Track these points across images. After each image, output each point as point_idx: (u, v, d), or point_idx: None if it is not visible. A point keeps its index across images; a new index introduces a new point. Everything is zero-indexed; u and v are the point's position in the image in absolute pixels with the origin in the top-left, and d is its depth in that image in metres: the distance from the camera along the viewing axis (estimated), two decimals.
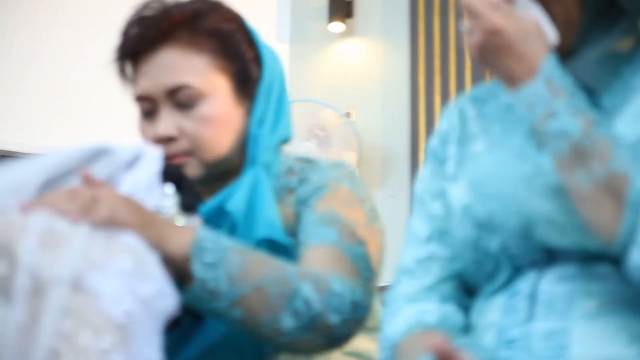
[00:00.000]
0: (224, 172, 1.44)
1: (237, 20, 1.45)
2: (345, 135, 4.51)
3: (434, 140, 1.28)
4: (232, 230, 1.36)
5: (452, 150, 1.23)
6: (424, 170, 1.27)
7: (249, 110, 1.45)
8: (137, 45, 1.41)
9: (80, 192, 1.10)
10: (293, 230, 1.40)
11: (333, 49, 4.79)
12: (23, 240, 1.02)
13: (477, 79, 4.57)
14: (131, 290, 1.06)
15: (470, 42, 1.09)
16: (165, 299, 1.10)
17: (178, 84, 1.39)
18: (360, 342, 1.42)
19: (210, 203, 1.39)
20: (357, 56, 4.78)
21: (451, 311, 1.15)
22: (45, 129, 4.41)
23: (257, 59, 1.45)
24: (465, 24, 1.10)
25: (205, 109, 1.40)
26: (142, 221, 1.12)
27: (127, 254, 1.09)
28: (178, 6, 1.42)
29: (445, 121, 1.27)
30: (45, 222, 1.06)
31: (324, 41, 4.79)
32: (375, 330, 1.42)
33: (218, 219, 1.38)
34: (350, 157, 4.38)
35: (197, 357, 1.30)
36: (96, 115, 4.71)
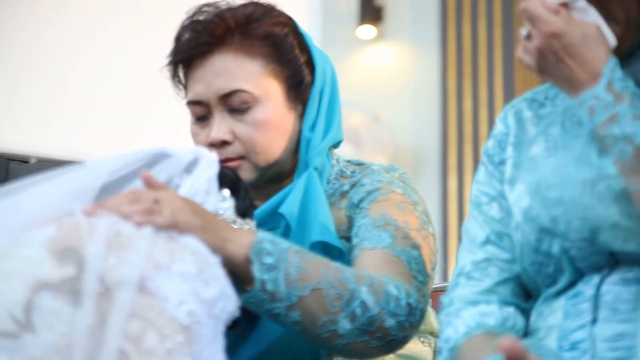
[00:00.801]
0: (275, 176, 1.46)
1: (289, 24, 1.46)
2: (376, 138, 4.52)
3: (490, 143, 1.28)
4: (286, 233, 1.38)
5: (509, 152, 1.23)
6: (479, 173, 1.27)
7: (301, 115, 1.46)
8: (191, 50, 1.42)
9: (143, 194, 1.12)
10: (345, 234, 1.41)
11: (363, 53, 4.80)
12: (90, 243, 1.04)
13: (507, 82, 4.56)
14: (194, 292, 1.07)
15: (527, 47, 1.09)
16: (227, 300, 1.11)
17: (232, 89, 1.41)
18: (412, 345, 1.42)
19: (264, 207, 1.40)
20: (387, 61, 4.79)
21: (511, 313, 1.15)
22: (45, 131, 4.44)
23: (309, 62, 1.46)
24: (523, 29, 1.10)
25: (258, 113, 1.41)
26: (203, 224, 1.13)
27: (190, 256, 1.10)
28: (231, 10, 1.43)
29: (501, 124, 1.27)
30: (111, 224, 1.07)
31: (354, 46, 4.79)
32: (426, 333, 1.42)
33: (271, 223, 1.39)
34: (381, 161, 4.39)
35: (255, 359, 1.31)
36: (96, 116, 4.72)
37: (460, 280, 1.20)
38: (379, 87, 4.74)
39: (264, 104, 1.42)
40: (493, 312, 1.15)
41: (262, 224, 1.36)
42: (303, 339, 1.25)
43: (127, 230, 1.08)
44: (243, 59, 1.41)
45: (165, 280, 1.05)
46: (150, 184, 1.17)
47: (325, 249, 1.35)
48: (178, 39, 1.45)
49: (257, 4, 1.46)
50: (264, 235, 1.19)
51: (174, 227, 1.10)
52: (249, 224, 1.30)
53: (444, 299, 1.21)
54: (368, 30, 4.76)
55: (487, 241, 1.20)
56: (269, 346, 1.33)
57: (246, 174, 1.41)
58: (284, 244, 1.20)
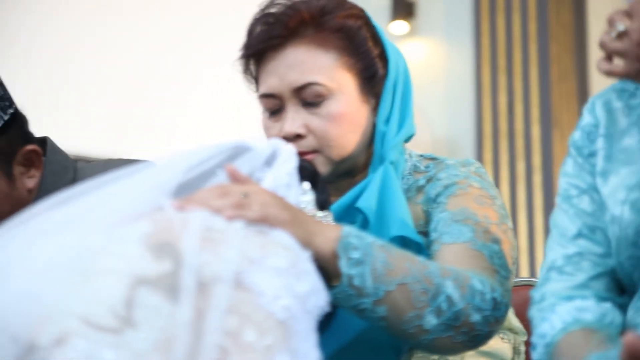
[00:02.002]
0: (349, 170, 1.44)
1: (362, 17, 1.44)
2: None
3: (577, 135, 1.26)
4: (363, 228, 1.36)
5: (599, 144, 1.21)
6: (566, 165, 1.25)
7: (375, 108, 1.45)
8: (264, 43, 1.41)
9: (232, 189, 1.10)
10: (423, 229, 1.39)
11: None
12: (185, 238, 1.03)
13: (543, 76, 4.53)
14: (288, 286, 1.06)
15: (625, 43, 1.05)
16: (318, 295, 1.09)
17: (305, 81, 1.39)
18: (492, 342, 1.41)
19: (340, 201, 1.39)
20: (420, 56, 4.77)
21: (609, 309, 1.13)
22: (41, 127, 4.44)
23: (383, 55, 1.45)
24: (620, 24, 1.07)
25: (332, 106, 1.40)
26: (292, 218, 1.11)
27: (282, 250, 1.08)
28: (305, 3, 1.41)
29: (589, 115, 1.25)
30: (203, 219, 1.06)
31: None
32: (506, 329, 1.40)
33: (348, 217, 1.37)
34: None
35: (334, 354, 1.30)
36: (96, 114, 4.72)
37: (552, 275, 1.18)
38: (413, 83, 4.71)
39: (337, 97, 1.40)
40: (590, 308, 1.13)
41: (338, 219, 1.34)
42: (385, 334, 1.24)
43: (218, 225, 1.07)
44: (317, 52, 1.40)
45: (260, 274, 1.04)
46: (235, 177, 1.16)
47: (403, 244, 1.33)
48: (250, 32, 1.43)
49: None
50: (349, 229, 1.18)
51: (264, 221, 1.09)
52: (328, 217, 1.29)
53: (535, 293, 1.19)
54: (400, 26, 4.74)
55: (579, 235, 1.18)
56: (350, 341, 1.31)
57: (320, 167, 1.40)
58: (369, 238, 1.19)
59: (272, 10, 1.42)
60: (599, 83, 4.66)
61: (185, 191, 1.16)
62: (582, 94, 4.69)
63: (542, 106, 4.53)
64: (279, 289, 1.04)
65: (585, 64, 4.72)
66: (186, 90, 4.48)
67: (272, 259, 1.06)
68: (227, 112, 4.47)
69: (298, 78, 1.40)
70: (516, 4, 4.61)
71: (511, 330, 1.44)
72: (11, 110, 1.52)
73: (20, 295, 0.94)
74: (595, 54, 4.73)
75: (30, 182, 1.54)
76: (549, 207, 4.41)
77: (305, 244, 1.12)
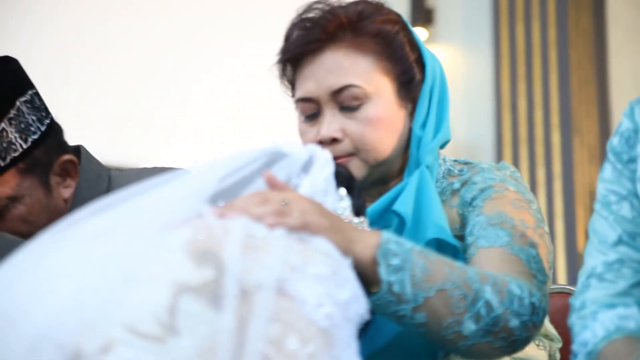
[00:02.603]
0: (383, 174, 1.44)
1: (400, 22, 1.45)
2: None
3: (615, 140, 1.25)
4: (398, 231, 1.36)
5: (639, 150, 1.20)
6: (605, 171, 1.24)
7: (411, 113, 1.45)
8: (302, 47, 1.41)
9: (271, 196, 1.10)
10: (458, 232, 1.39)
11: None
12: (227, 246, 1.02)
13: (563, 83, 4.51)
14: (329, 294, 1.05)
15: None
16: (359, 303, 1.09)
17: (343, 84, 1.39)
18: (528, 348, 1.39)
19: (375, 205, 1.39)
20: None
21: None
22: None
23: (419, 60, 1.45)
24: None
25: (369, 110, 1.40)
26: (331, 225, 1.11)
27: (323, 257, 1.08)
28: (343, 7, 1.42)
29: (628, 120, 1.24)
30: (245, 226, 1.06)
31: None
32: (541, 336, 1.39)
33: (383, 221, 1.37)
34: None
35: (370, 358, 1.29)
36: (96, 114, 4.71)
37: (592, 282, 1.17)
38: None
39: (375, 101, 1.40)
40: (633, 315, 1.12)
41: (373, 223, 1.34)
42: (420, 339, 1.23)
43: (260, 232, 1.06)
44: (355, 56, 1.40)
45: (302, 282, 1.03)
46: (273, 184, 1.15)
47: (439, 247, 1.33)
48: (287, 37, 1.44)
49: (366, 1, 1.45)
50: (388, 235, 1.17)
51: (304, 229, 1.09)
52: (363, 223, 1.29)
53: (574, 301, 1.18)
54: (419, 33, 4.73)
55: (619, 241, 1.17)
56: (385, 345, 1.31)
57: (355, 171, 1.40)
58: (408, 244, 1.18)
59: (310, 15, 1.42)
60: (619, 89, 4.64)
61: (223, 198, 1.16)
62: (602, 100, 4.67)
63: (562, 113, 4.51)
64: (321, 296, 1.04)
65: (605, 71, 4.70)
66: (186, 90, 4.48)
67: (314, 266, 1.05)
68: (227, 112, 4.47)
69: (336, 81, 1.40)
70: (535, 11, 4.60)
71: (546, 336, 1.43)
72: (48, 121, 1.52)
73: (65, 303, 0.94)
74: (615, 60, 4.71)
75: (67, 192, 1.55)
76: (569, 213, 4.39)
77: (345, 250, 1.12)
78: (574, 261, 4.25)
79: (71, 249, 1.02)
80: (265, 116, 4.45)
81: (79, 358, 0.90)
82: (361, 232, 1.16)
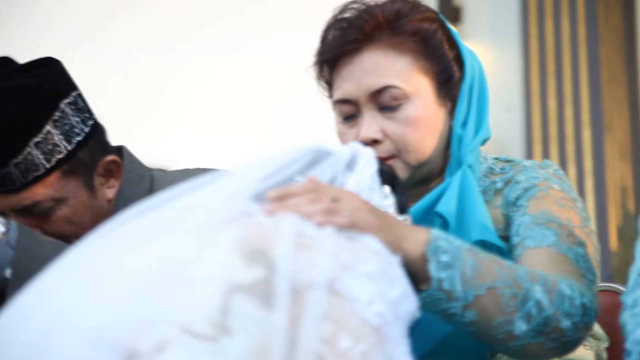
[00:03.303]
0: (426, 174, 1.42)
1: (437, 20, 1.43)
2: None
3: None
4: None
5: None
6: None
7: (451, 111, 1.43)
8: (339, 48, 1.40)
9: (321, 194, 1.09)
10: (503, 233, 1.37)
11: None
12: (278, 244, 1.02)
13: (593, 80, 4.48)
14: (380, 292, 1.04)
15: None
16: (409, 301, 1.08)
17: (382, 85, 1.38)
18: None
19: (418, 205, 1.37)
20: None
21: None
22: None
23: (458, 58, 1.43)
24: None
25: (409, 110, 1.39)
26: (381, 223, 1.10)
27: (372, 255, 1.07)
28: (380, 7, 1.40)
29: None
30: (295, 224, 1.05)
31: None
32: (589, 335, 1.37)
33: (426, 222, 1.36)
34: None
35: (418, 359, 1.28)
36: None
37: None
38: None
39: (414, 101, 1.39)
40: None
41: (416, 223, 1.32)
42: (469, 340, 1.22)
43: (309, 230, 1.06)
44: (393, 56, 1.38)
45: (353, 280, 1.02)
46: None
47: (483, 248, 1.31)
48: (324, 38, 1.43)
49: (403, 0, 1.43)
50: (438, 232, 1.16)
51: (354, 227, 1.08)
52: (407, 221, 1.27)
53: (626, 298, 1.16)
54: None
55: None
56: (434, 346, 1.29)
57: (398, 173, 1.38)
58: (457, 241, 1.17)
59: (346, 15, 1.41)
60: None
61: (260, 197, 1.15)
62: (633, 97, 4.63)
63: (592, 110, 4.48)
64: (372, 294, 1.03)
65: (636, 67, 4.66)
66: (186, 89, 4.47)
67: (364, 264, 1.05)
68: (229, 110, 4.47)
69: (375, 82, 1.38)
70: (565, 7, 4.57)
71: (593, 336, 1.42)
72: (91, 122, 1.52)
73: (119, 303, 0.94)
74: None
75: (110, 193, 1.55)
76: (600, 211, 4.36)
77: (395, 248, 1.11)
78: (607, 259, 4.21)
79: (121, 249, 1.01)
80: (267, 116, 4.44)
81: (135, 357, 0.89)
82: (410, 229, 1.15)
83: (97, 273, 0.98)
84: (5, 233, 1.33)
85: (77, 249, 1.03)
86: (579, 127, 4.48)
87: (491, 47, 4.73)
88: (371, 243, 1.09)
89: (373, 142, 1.39)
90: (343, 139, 1.43)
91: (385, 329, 1.02)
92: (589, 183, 4.40)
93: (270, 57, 4.48)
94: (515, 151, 4.56)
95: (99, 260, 1.00)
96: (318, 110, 4.63)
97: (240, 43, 4.42)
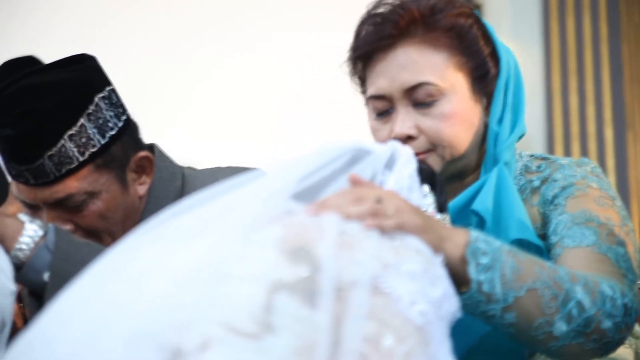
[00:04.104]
0: (460, 170, 1.42)
1: (472, 16, 1.42)
2: None
3: None
4: (478, 230, 1.33)
5: None
6: None
7: (486, 108, 1.42)
8: (373, 43, 1.39)
9: (365, 193, 1.08)
10: (540, 232, 1.36)
11: None
12: (321, 243, 1.01)
13: (615, 77, 4.45)
14: (423, 291, 1.03)
15: None
16: (451, 301, 1.07)
17: (417, 81, 1.37)
18: None
19: (455, 202, 1.36)
20: None
21: None
22: None
23: (494, 54, 1.42)
24: None
25: (444, 106, 1.38)
26: (424, 224, 1.09)
27: (415, 255, 1.06)
28: (415, 2, 1.39)
29: None
30: (337, 223, 1.04)
31: None
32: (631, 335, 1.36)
33: (462, 219, 1.35)
34: None
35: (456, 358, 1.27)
36: None
37: None
38: None
39: (449, 97, 1.38)
40: None
41: (453, 220, 1.32)
42: (507, 340, 1.21)
43: (352, 229, 1.05)
44: (428, 51, 1.38)
45: (396, 279, 1.02)
46: (357, 185, 1.13)
47: (520, 247, 1.30)
48: (358, 34, 1.42)
49: None
50: (477, 234, 1.15)
51: (400, 229, 1.06)
52: (446, 220, 1.26)
53: None
54: None
55: None
56: (472, 345, 1.28)
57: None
58: (496, 242, 1.16)
59: (380, 10, 1.40)
60: None
61: (306, 197, 1.14)
62: None
63: (614, 107, 4.45)
64: (415, 294, 1.02)
65: None
66: (186, 89, 4.46)
67: (406, 263, 1.04)
68: (228, 112, 4.46)
69: (410, 78, 1.37)
70: (586, 5, 4.54)
71: (633, 335, 1.40)
72: (124, 117, 1.52)
73: (161, 302, 0.93)
74: None
75: (142, 189, 1.54)
76: None
77: (436, 249, 1.10)
78: None
79: (162, 248, 1.01)
80: (267, 117, 4.43)
81: (179, 356, 0.89)
82: (451, 231, 1.14)
83: (140, 272, 0.98)
84: (44, 236, 1.33)
85: (118, 249, 1.03)
86: (601, 124, 4.45)
87: (512, 45, 4.69)
88: (413, 242, 1.08)
89: (407, 138, 1.38)
90: (376, 135, 1.43)
91: (428, 329, 1.01)
92: (611, 181, 4.37)
93: (270, 58, 4.47)
94: (537, 149, 4.53)
95: (141, 259, 0.99)
96: (318, 110, 4.61)
97: (240, 44, 4.42)
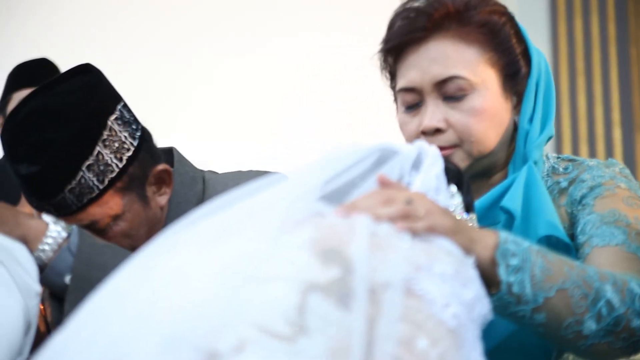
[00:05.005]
0: (486, 168, 1.41)
1: (506, 14, 1.42)
2: None
3: None
4: (507, 228, 1.33)
5: None
6: None
7: (515, 106, 1.42)
8: (406, 35, 1.39)
9: (395, 195, 1.07)
10: (568, 232, 1.35)
11: None
12: (353, 244, 1.00)
13: (623, 79, 4.44)
14: (455, 293, 1.02)
15: None
16: (482, 303, 1.06)
17: (449, 75, 1.37)
18: None
19: (483, 199, 1.36)
20: None
21: None
22: None
23: (526, 54, 1.42)
24: None
25: (474, 101, 1.37)
26: (455, 225, 1.08)
27: (446, 256, 1.05)
28: None
29: None
30: (368, 225, 1.03)
31: None
32: None
33: (490, 217, 1.34)
34: None
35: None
36: None
37: None
38: None
39: (480, 92, 1.38)
40: None
41: (480, 219, 1.31)
42: (535, 338, 1.20)
43: (382, 231, 1.04)
44: (460, 46, 1.38)
45: (428, 281, 1.01)
46: (386, 186, 1.12)
47: (549, 246, 1.29)
48: (390, 26, 1.42)
49: None
50: (506, 235, 1.14)
51: (431, 231, 1.05)
52: (473, 220, 1.26)
53: None
54: None
55: None
56: (499, 343, 1.28)
57: (457, 163, 1.37)
58: (525, 243, 1.15)
59: (415, 4, 1.40)
60: None
61: (335, 197, 1.14)
62: None
63: (622, 109, 4.44)
64: (448, 296, 1.01)
65: None
66: (186, 90, 4.45)
67: (438, 265, 1.03)
68: (228, 113, 4.45)
69: (441, 71, 1.37)
70: (594, 6, 4.53)
71: None
72: (139, 133, 1.49)
73: (196, 304, 0.92)
74: None
75: (163, 200, 1.53)
76: None
77: (466, 251, 1.09)
78: None
79: (192, 250, 1.00)
80: (267, 117, 4.42)
81: (215, 358, 0.88)
82: (480, 232, 1.13)
83: (174, 273, 0.97)
84: (67, 239, 1.32)
85: (150, 249, 1.02)
86: (609, 126, 4.44)
87: None
88: (444, 244, 1.07)
89: (435, 132, 1.38)
90: (404, 128, 1.42)
91: (461, 331, 1.01)
92: None
93: (270, 59, 4.46)
94: (545, 150, 4.52)
95: (174, 260, 0.99)
96: (318, 110, 4.58)
97: (240, 45, 4.41)
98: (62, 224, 1.33)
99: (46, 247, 1.30)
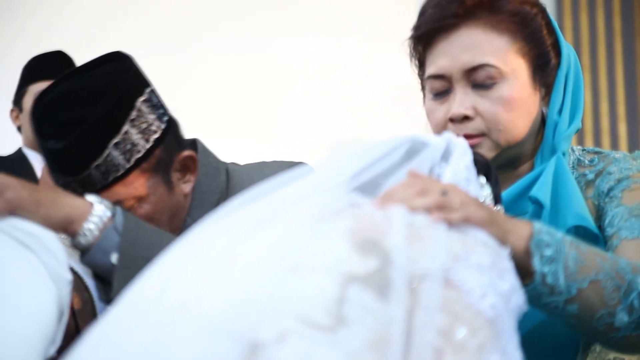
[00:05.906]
0: (513, 159, 1.41)
1: (538, 5, 1.42)
2: None
3: None
4: (535, 218, 1.33)
5: None
6: None
7: (544, 97, 1.42)
8: (438, 22, 1.38)
9: (430, 186, 1.07)
10: (595, 223, 1.35)
11: None
12: (391, 235, 1.00)
13: (629, 73, 4.44)
14: (492, 284, 1.02)
15: None
16: (518, 294, 1.06)
17: (479, 62, 1.37)
18: None
19: (511, 189, 1.37)
20: None
21: None
22: None
23: (556, 46, 1.42)
24: None
25: (503, 90, 1.37)
26: (490, 217, 1.08)
27: (482, 247, 1.05)
28: None
29: None
30: (405, 216, 1.03)
31: None
32: None
33: (518, 207, 1.34)
34: None
35: None
36: None
37: None
38: None
39: (510, 81, 1.37)
40: None
41: (507, 209, 1.31)
42: (565, 330, 1.21)
43: (419, 221, 1.04)
44: (491, 34, 1.37)
45: (466, 272, 1.00)
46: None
47: (577, 236, 1.29)
48: (422, 14, 1.42)
49: None
50: (540, 225, 1.14)
51: (466, 222, 1.05)
52: (500, 211, 1.26)
53: None
54: None
55: None
56: (527, 333, 1.27)
57: (485, 152, 1.37)
58: (559, 234, 1.15)
59: None
60: None
61: (366, 189, 1.14)
62: None
63: (628, 103, 4.44)
64: (485, 286, 1.01)
65: None
66: (191, 91, 4.45)
67: (475, 256, 1.02)
68: (229, 113, 4.45)
69: (471, 59, 1.37)
70: (600, 0, 4.53)
71: None
72: (166, 118, 1.50)
73: (238, 293, 0.92)
74: None
75: (187, 187, 1.53)
76: None
77: (501, 241, 1.09)
78: None
79: (234, 238, 1.00)
80: (268, 117, 4.42)
81: (257, 348, 0.88)
82: (514, 223, 1.13)
83: (213, 263, 0.96)
84: (112, 218, 1.31)
85: (190, 237, 1.02)
86: (614, 121, 4.44)
87: None
88: (479, 235, 1.07)
89: (463, 119, 1.38)
90: (432, 115, 1.42)
91: (499, 322, 1.00)
92: None
93: (271, 59, 4.46)
94: None
95: (213, 250, 0.98)
96: (319, 110, 4.57)
97: (242, 47, 4.41)
98: (107, 202, 1.33)
99: (92, 226, 1.29)
